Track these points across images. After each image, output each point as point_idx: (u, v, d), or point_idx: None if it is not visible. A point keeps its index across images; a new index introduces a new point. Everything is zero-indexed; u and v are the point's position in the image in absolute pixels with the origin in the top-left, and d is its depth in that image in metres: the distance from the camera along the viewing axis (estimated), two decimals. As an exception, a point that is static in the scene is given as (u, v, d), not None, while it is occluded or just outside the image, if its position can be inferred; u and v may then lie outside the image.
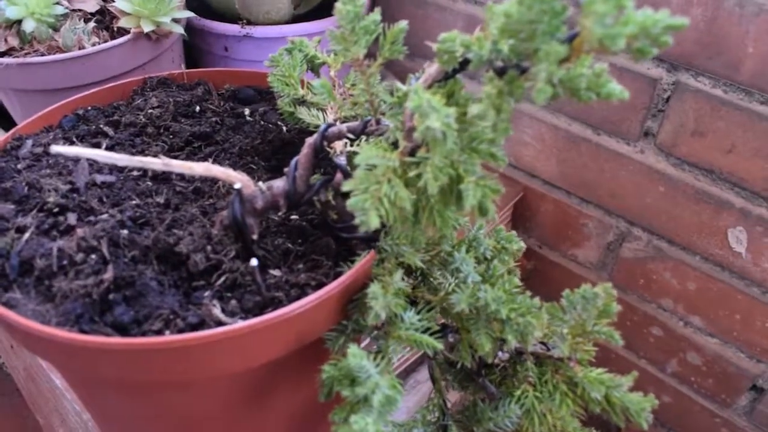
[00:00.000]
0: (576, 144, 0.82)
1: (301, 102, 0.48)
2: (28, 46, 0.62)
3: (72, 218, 0.43)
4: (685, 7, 0.66)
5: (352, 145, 0.44)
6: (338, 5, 0.35)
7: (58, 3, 0.64)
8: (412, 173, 0.34)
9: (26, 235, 0.41)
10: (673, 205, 0.77)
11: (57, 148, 0.37)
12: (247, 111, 0.55)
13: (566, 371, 0.42)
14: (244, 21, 0.75)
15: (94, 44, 0.63)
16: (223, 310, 0.38)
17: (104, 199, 0.45)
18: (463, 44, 0.33)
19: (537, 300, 0.39)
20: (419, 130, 0.31)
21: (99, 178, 0.47)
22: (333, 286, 0.37)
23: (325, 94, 0.42)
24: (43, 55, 0.61)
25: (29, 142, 0.49)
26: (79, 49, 0.62)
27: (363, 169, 0.34)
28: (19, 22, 0.61)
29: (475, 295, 0.39)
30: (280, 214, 0.44)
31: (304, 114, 0.47)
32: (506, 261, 0.44)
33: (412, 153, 0.36)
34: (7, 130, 0.72)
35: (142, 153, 0.50)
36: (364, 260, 0.39)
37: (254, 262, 0.38)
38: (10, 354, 0.73)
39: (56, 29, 0.63)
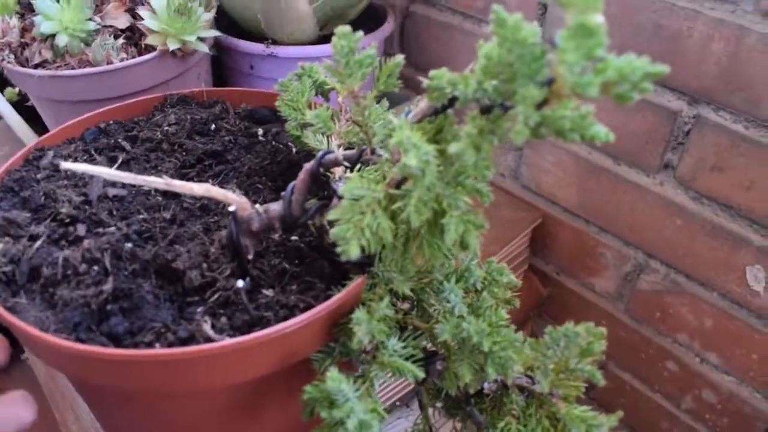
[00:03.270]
0: (596, 173, 0.82)
1: (308, 126, 0.49)
2: (60, 59, 0.65)
3: (81, 229, 0.45)
4: (706, 41, 0.66)
5: (351, 171, 0.45)
6: (334, 39, 0.37)
7: (90, 19, 0.67)
8: (395, 205, 0.35)
9: (37, 243, 0.44)
10: (690, 240, 0.76)
11: (66, 165, 0.39)
12: (260, 131, 0.56)
13: (550, 406, 0.42)
14: (269, 41, 0.77)
15: (122, 60, 0.65)
16: (213, 327, 0.40)
17: (114, 212, 0.47)
18: (450, 82, 0.34)
19: (520, 334, 0.40)
20: (398, 166, 0.32)
21: (111, 191, 0.49)
22: (318, 310, 0.38)
23: (321, 123, 0.43)
24: (73, 68, 0.64)
25: (50, 153, 0.52)
26: (107, 63, 0.65)
27: (348, 199, 0.35)
28: (53, 36, 0.65)
29: (460, 326, 0.40)
30: (280, 234, 0.45)
31: (309, 138, 0.48)
32: (495, 293, 0.44)
33: (399, 185, 0.36)
34: (41, 135, 0.76)
35: (155, 168, 0.52)
36: (351, 286, 0.40)
37: (240, 283, 0.40)
38: (33, 351, 0.77)
39: (88, 44, 0.66)
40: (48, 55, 0.65)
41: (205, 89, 0.59)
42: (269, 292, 0.42)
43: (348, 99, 0.40)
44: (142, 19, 0.67)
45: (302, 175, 0.42)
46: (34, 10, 0.70)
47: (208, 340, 0.39)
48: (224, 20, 0.81)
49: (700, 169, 0.72)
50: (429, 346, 0.45)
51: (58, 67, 0.65)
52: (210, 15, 0.71)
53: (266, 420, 0.46)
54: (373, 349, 0.41)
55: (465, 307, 0.42)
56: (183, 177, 0.51)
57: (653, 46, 0.70)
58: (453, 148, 0.33)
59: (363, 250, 0.35)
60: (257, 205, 0.42)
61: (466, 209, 0.36)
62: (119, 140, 0.54)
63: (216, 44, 0.75)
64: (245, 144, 0.55)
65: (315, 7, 0.77)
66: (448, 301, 0.42)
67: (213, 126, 0.56)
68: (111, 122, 0.57)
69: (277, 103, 0.49)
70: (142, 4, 0.71)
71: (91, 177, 0.50)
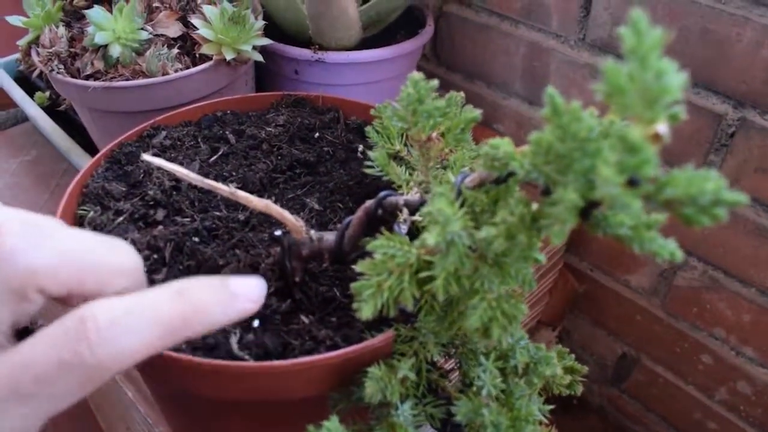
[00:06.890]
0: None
1: (397, 157, 0.48)
2: (113, 69, 0.66)
3: (160, 214, 0.47)
4: (755, 48, 0.65)
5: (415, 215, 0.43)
6: (403, 87, 0.35)
7: (142, 29, 0.67)
8: (424, 273, 0.33)
9: (119, 219, 0.47)
10: (731, 238, 0.77)
11: (145, 157, 0.41)
12: (360, 147, 0.56)
13: None
14: (316, 46, 0.76)
15: (176, 70, 0.66)
16: (240, 340, 0.40)
17: (196, 203, 0.49)
18: (507, 156, 0.31)
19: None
20: (419, 238, 0.30)
21: (201, 182, 0.51)
22: (320, 358, 0.37)
23: (380, 166, 0.41)
24: (128, 79, 0.65)
25: (163, 133, 0.55)
26: (163, 74, 0.65)
27: (380, 255, 0.34)
28: (105, 46, 0.65)
29: (480, 410, 0.37)
30: (328, 265, 0.45)
31: (392, 171, 0.46)
32: (533, 384, 0.40)
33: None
34: (83, 145, 0.77)
35: (249, 167, 0.53)
36: (370, 341, 0.38)
37: (256, 323, 0.40)
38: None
39: (139, 53, 0.66)
40: (100, 65, 0.66)
41: (322, 95, 0.60)
42: (306, 319, 0.42)
43: (417, 146, 0.38)
44: (195, 28, 0.67)
45: (359, 212, 0.41)
46: (80, 19, 0.71)
47: (229, 352, 0.39)
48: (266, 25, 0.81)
49: (744, 171, 0.72)
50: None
51: (111, 78, 0.66)
52: (261, 23, 0.70)
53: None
54: (387, 407, 0.39)
55: (494, 390, 0.38)
56: (272, 181, 0.52)
57: (699, 50, 0.70)
58: (483, 232, 0.30)
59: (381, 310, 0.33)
60: (312, 231, 0.42)
61: (502, 294, 0.33)
62: (227, 132, 0.56)
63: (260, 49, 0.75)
64: (342, 158, 0.55)
65: (360, 11, 0.76)
66: (480, 379, 0.39)
67: (317, 134, 0.57)
68: (228, 112, 0.59)
69: (366, 129, 0.48)
70: (194, 12, 0.71)
71: (191, 163, 0.53)
